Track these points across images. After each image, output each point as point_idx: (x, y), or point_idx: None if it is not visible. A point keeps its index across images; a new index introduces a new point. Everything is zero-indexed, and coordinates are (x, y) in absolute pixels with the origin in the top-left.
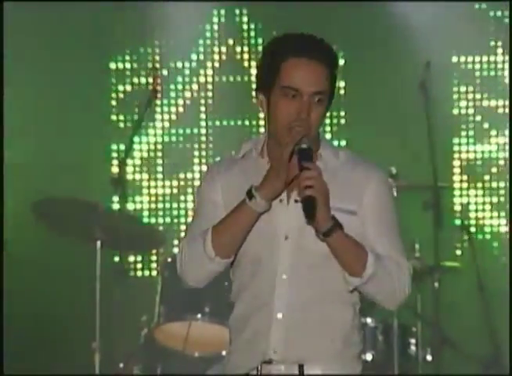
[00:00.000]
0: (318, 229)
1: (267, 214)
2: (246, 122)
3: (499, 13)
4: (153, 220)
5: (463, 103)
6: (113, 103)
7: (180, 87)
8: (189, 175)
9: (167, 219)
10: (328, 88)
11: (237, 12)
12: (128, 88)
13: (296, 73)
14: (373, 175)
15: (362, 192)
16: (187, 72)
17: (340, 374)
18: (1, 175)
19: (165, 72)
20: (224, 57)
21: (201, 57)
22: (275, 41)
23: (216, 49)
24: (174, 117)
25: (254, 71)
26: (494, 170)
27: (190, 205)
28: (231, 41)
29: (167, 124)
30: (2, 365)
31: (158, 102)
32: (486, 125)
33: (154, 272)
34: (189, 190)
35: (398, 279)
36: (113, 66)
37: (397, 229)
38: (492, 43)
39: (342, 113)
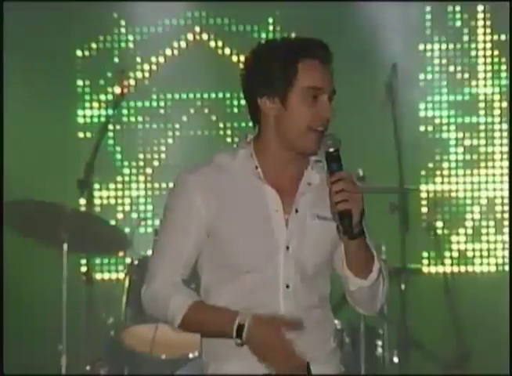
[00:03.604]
0: (350, 231)
1: (265, 225)
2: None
3: (465, 16)
4: (119, 222)
5: (429, 105)
6: (81, 104)
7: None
8: (157, 178)
9: (134, 222)
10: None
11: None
12: (95, 88)
13: (316, 73)
14: None
15: None
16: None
17: (338, 374)
18: (2, 176)
19: (136, 74)
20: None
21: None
22: (283, 44)
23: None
24: (140, 118)
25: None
26: (461, 172)
27: (157, 208)
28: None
29: (133, 126)
30: (2, 365)
31: (124, 104)
32: (453, 127)
33: (121, 275)
34: (156, 193)
35: (386, 289)
36: (79, 61)
37: None
38: (459, 38)
39: None
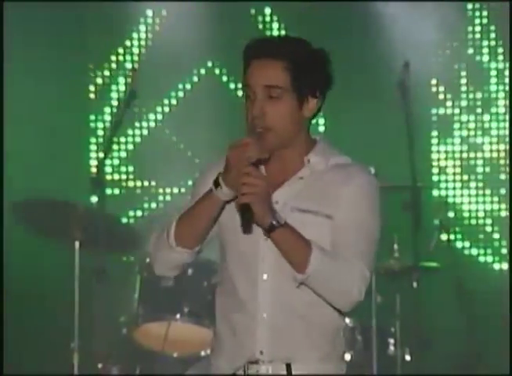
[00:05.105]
0: (260, 227)
1: None
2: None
3: (477, 13)
4: (131, 220)
5: (441, 103)
6: (92, 102)
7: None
8: (168, 176)
9: (146, 220)
10: (285, 81)
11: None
12: (107, 87)
13: (250, 72)
14: (353, 179)
15: (339, 195)
16: (170, 73)
17: (328, 374)
18: (2, 174)
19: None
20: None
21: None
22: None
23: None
24: (152, 116)
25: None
26: (473, 170)
27: (168, 206)
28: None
29: (145, 124)
30: (2, 365)
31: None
32: (465, 125)
33: (133, 273)
34: (168, 191)
35: (346, 279)
36: (92, 65)
37: (369, 233)
38: (470, 37)
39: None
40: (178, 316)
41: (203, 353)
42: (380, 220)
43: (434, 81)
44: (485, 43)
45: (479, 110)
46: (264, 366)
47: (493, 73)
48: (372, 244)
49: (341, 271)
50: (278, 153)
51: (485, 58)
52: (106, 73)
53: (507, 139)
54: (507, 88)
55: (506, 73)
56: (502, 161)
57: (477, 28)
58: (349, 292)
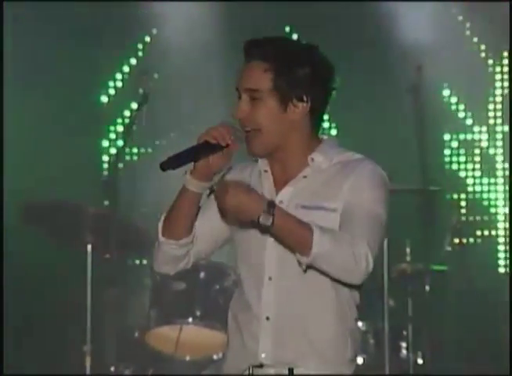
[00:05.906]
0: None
1: None
2: None
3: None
4: (143, 223)
5: (453, 107)
6: (105, 104)
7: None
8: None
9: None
10: (266, 84)
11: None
12: (120, 90)
13: (239, 75)
14: (355, 170)
15: (342, 188)
16: (181, 74)
17: (332, 374)
18: (1, 176)
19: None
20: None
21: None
22: None
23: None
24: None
25: None
26: (485, 173)
27: None
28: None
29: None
30: (2, 365)
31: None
32: (477, 128)
33: (145, 276)
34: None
35: (351, 253)
36: (104, 68)
37: (373, 217)
38: (483, 45)
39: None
40: (190, 319)
41: (215, 357)
42: (387, 209)
43: (446, 84)
44: (496, 46)
45: (491, 113)
46: (266, 369)
47: (506, 77)
48: (376, 228)
49: (345, 245)
50: (278, 156)
51: (499, 61)
52: (118, 76)
53: None
54: None
55: None
56: None
57: (489, 30)
58: (357, 264)
